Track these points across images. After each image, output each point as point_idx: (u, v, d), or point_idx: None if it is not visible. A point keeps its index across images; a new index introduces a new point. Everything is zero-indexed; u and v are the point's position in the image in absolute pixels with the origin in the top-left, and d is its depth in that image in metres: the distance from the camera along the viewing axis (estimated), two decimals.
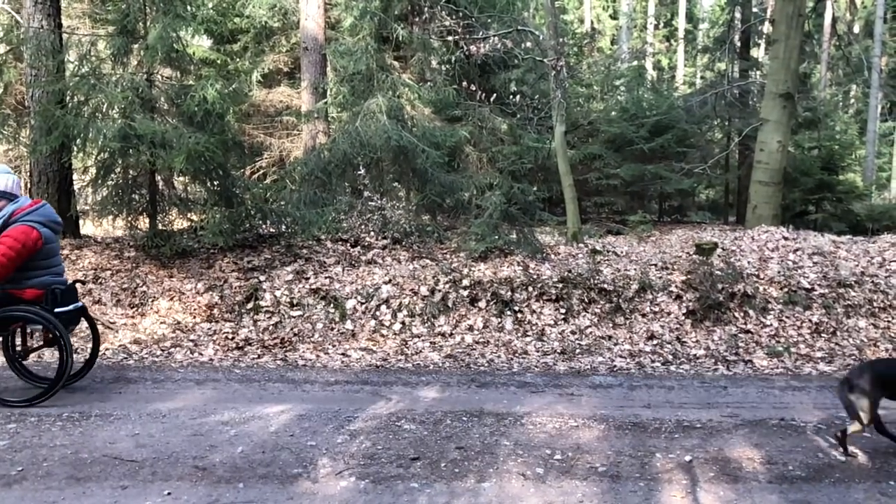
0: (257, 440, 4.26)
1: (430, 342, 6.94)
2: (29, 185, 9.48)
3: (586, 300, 7.55)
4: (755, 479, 3.80)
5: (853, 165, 18.13)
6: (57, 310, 4.89)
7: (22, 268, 4.77)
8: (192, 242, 8.39)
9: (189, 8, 8.22)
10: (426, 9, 13.27)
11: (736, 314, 7.36)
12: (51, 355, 6.02)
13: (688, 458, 4.09)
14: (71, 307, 5.05)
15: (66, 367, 4.82)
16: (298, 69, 13.55)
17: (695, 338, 7.04)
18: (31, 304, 4.83)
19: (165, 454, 4.01)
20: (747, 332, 7.11)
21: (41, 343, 5.32)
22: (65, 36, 8.87)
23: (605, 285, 7.67)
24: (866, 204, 14.72)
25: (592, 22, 31.58)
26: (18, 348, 5.30)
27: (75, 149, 8.31)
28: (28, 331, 5.25)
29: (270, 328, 7.12)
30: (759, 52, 22.24)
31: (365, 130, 9.37)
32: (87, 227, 9.97)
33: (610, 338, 7.07)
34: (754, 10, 17.42)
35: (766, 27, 17.59)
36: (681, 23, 31.96)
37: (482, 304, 7.47)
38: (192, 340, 6.83)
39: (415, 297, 7.48)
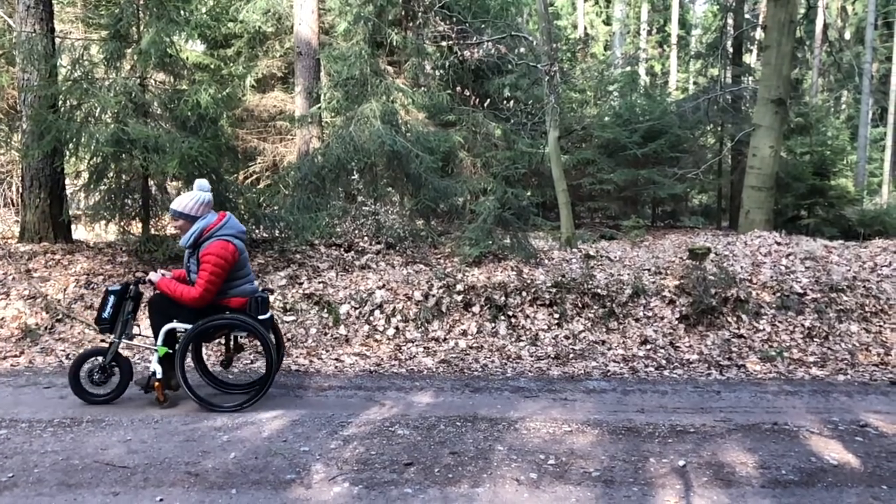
0: (250, 446, 4.24)
1: (424, 347, 6.93)
2: (21, 190, 9.43)
3: (580, 305, 7.56)
4: (748, 484, 3.81)
5: (845, 171, 18.19)
6: (260, 317, 5.03)
7: (226, 278, 4.90)
8: None
9: (182, 12, 8.20)
10: (420, 14, 13.30)
11: (729, 319, 7.38)
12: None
13: (681, 462, 4.09)
14: (269, 314, 5.18)
15: (272, 372, 4.98)
16: (292, 74, 13.56)
17: (688, 342, 7.06)
18: (236, 312, 4.97)
19: (157, 460, 3.99)
20: (740, 336, 7.13)
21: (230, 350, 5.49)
22: (57, 40, 8.84)
23: (599, 290, 7.68)
24: (858, 209, 14.76)
25: (586, 27, 31.70)
26: (204, 357, 5.49)
27: (68, 153, 8.27)
28: (231, 338, 5.42)
29: None
30: (751, 58, 22.37)
31: (359, 135, 9.38)
32: (79, 232, 9.93)
33: (603, 342, 7.08)
34: (746, 16, 17.53)
35: (759, 33, 17.69)
36: (674, 29, 32.09)
37: (476, 308, 7.47)
38: None
39: (408, 302, 7.47)
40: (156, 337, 4.95)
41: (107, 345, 5.11)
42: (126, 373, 5.05)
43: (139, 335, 5.35)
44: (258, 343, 5.21)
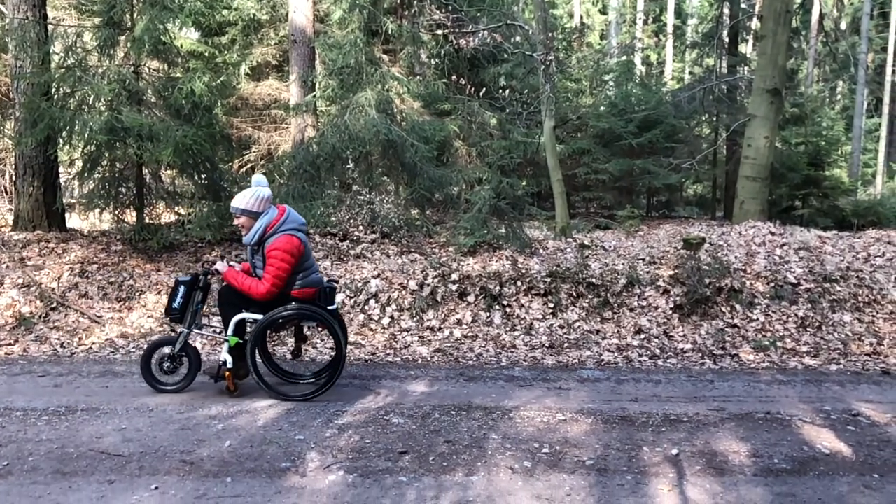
0: (245, 434, 4.25)
1: (419, 336, 6.94)
2: (14, 178, 9.39)
3: (574, 294, 7.58)
4: (741, 472, 3.83)
5: (839, 161, 18.24)
6: (329, 307, 5.09)
7: (293, 271, 4.92)
8: (180, 236, 8.34)
9: (176, 0, 8.15)
10: (415, 2, 13.24)
11: (723, 309, 7.40)
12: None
13: (675, 451, 4.11)
14: (335, 305, 5.22)
15: (341, 361, 5.00)
16: (287, 62, 13.48)
17: (682, 332, 7.08)
18: (306, 302, 5.01)
19: (153, 448, 4.00)
20: (734, 326, 7.16)
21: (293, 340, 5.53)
22: (50, 27, 8.78)
23: (594, 280, 7.70)
24: (852, 199, 14.81)
25: (582, 17, 31.60)
26: (268, 349, 5.48)
27: (61, 141, 8.24)
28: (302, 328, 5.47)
29: None
30: (747, 48, 22.36)
31: (354, 124, 9.35)
32: (73, 221, 9.89)
33: (598, 332, 7.10)
34: (742, 6, 17.48)
35: (754, 23, 17.66)
36: (669, 18, 32.04)
37: (471, 298, 7.48)
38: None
39: (403, 292, 7.47)
40: (226, 327, 4.99)
41: (175, 334, 5.18)
42: (195, 362, 5.11)
43: (207, 325, 5.41)
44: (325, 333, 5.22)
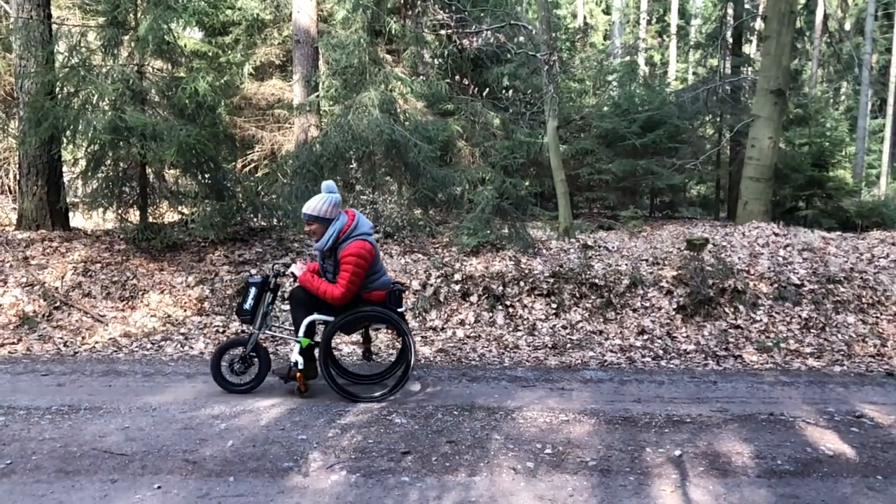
0: (248, 434, 4.25)
1: (422, 336, 6.94)
2: (18, 177, 9.41)
3: (577, 295, 7.57)
4: (744, 474, 3.83)
5: (843, 162, 18.19)
6: (399, 309, 5.19)
7: (365, 275, 4.99)
8: (183, 235, 8.35)
9: (180, 0, 8.16)
10: (419, 2, 13.24)
11: (726, 309, 7.39)
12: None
13: (678, 452, 4.11)
14: (403, 308, 5.29)
15: (411, 363, 5.06)
16: (290, 62, 13.49)
17: (685, 333, 7.07)
18: (376, 305, 5.07)
19: (155, 448, 4.00)
20: (737, 327, 7.15)
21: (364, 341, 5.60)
22: (54, 27, 8.80)
23: (597, 280, 7.69)
24: (856, 200, 14.75)
25: (585, 17, 31.58)
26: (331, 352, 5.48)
27: (65, 140, 8.26)
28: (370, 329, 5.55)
29: None
30: (750, 49, 22.33)
31: (357, 124, 9.35)
32: (76, 220, 9.90)
33: (601, 332, 7.09)
34: (746, 6, 17.46)
35: (758, 24, 17.63)
36: (673, 18, 31.98)
37: (474, 298, 7.47)
38: (182, 334, 6.82)
39: (406, 292, 7.47)
40: (297, 328, 5.03)
41: (246, 335, 5.24)
42: (265, 362, 5.15)
43: (277, 326, 5.48)
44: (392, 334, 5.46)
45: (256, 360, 5.15)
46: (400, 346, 5.45)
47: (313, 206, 4.94)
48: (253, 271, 7.77)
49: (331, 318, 4.96)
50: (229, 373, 5.12)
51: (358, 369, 5.73)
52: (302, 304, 5.04)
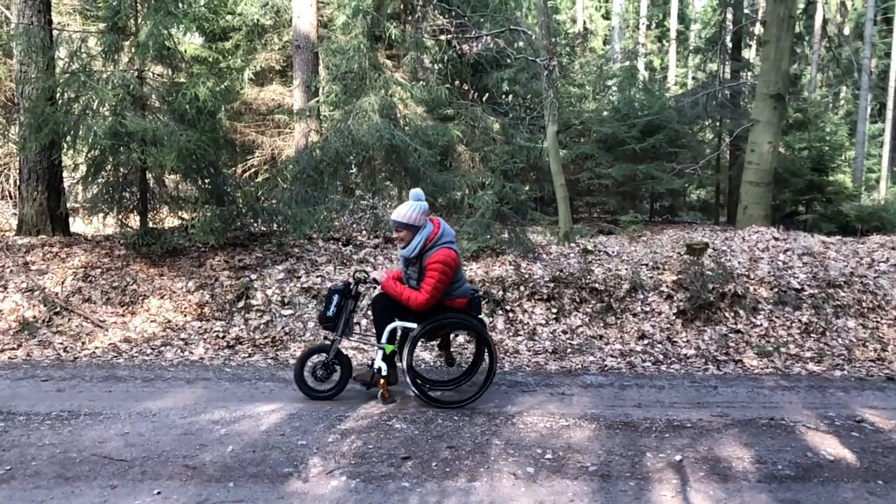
0: (248, 439, 4.25)
1: (421, 341, 6.92)
2: (18, 183, 9.41)
3: (577, 300, 7.57)
4: (745, 479, 3.82)
5: (843, 166, 18.22)
6: (480, 316, 5.27)
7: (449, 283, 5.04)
8: (183, 241, 8.35)
9: (181, 5, 8.17)
10: (419, 7, 13.26)
11: (726, 314, 7.39)
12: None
13: (678, 457, 4.10)
14: (482, 314, 5.37)
15: (494, 369, 5.13)
16: (290, 67, 13.53)
17: (685, 337, 7.07)
18: (459, 312, 5.13)
19: (155, 453, 4.00)
20: (737, 331, 7.14)
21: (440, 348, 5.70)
22: (55, 32, 8.81)
23: (597, 285, 7.69)
24: (855, 205, 14.78)
25: (585, 22, 31.63)
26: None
27: (65, 146, 8.26)
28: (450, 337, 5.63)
29: (261, 327, 7.11)
30: (750, 54, 22.33)
31: (357, 129, 9.36)
32: (77, 225, 9.90)
33: (601, 337, 7.09)
34: (745, 11, 17.48)
35: (758, 28, 17.66)
36: (673, 23, 32.04)
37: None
38: (182, 339, 6.81)
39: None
40: (379, 335, 5.07)
41: (328, 342, 5.27)
42: (346, 369, 5.19)
43: (358, 333, 5.52)
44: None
45: (338, 366, 5.19)
46: (474, 353, 5.55)
47: (403, 213, 4.97)
48: (253, 276, 7.76)
49: (413, 325, 5.01)
50: (312, 379, 5.16)
51: (432, 375, 5.75)
52: (385, 311, 5.08)
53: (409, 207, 4.97)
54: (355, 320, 5.34)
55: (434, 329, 5.09)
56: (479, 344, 5.41)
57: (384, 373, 4.96)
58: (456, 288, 5.08)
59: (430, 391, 5.17)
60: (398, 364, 5.19)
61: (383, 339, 5.00)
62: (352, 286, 5.21)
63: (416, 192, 5.10)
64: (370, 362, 5.27)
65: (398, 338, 5.21)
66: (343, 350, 5.25)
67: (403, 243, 5.02)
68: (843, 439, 4.46)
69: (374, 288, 5.09)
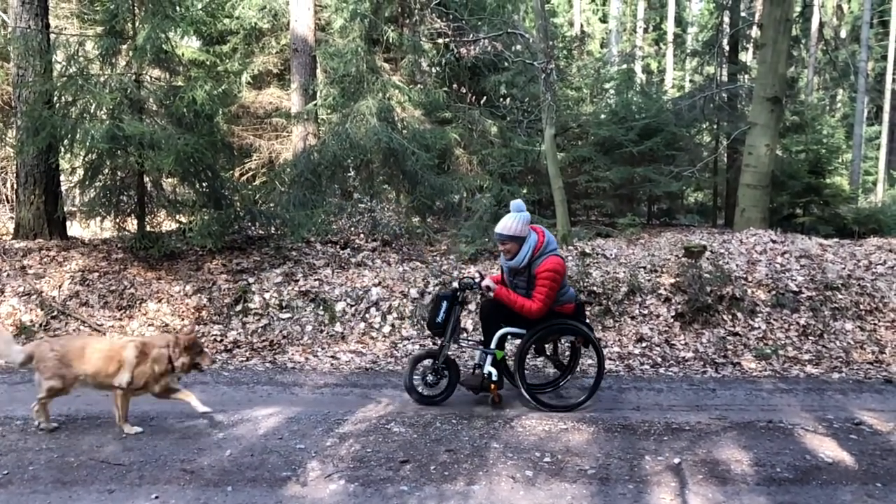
0: (246, 443, 4.24)
1: (420, 344, 6.93)
2: (15, 187, 9.40)
3: None
4: (743, 481, 3.82)
5: (840, 169, 18.26)
6: (585, 321, 5.40)
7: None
8: (181, 244, 8.34)
9: (178, 8, 8.17)
10: (416, 11, 13.26)
11: (724, 317, 7.39)
12: None
13: (677, 460, 4.10)
14: (587, 319, 5.46)
15: (602, 371, 5.25)
16: (288, 71, 13.51)
17: (683, 340, 7.07)
18: (566, 317, 5.22)
19: (153, 458, 3.99)
20: (735, 334, 7.15)
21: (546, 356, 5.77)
22: (52, 36, 8.80)
23: (595, 288, 7.69)
24: (853, 207, 14.78)
25: (582, 25, 31.65)
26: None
27: (63, 150, 8.25)
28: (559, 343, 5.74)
29: (259, 330, 7.10)
30: (747, 56, 22.37)
31: (355, 132, 9.37)
32: (74, 229, 9.88)
33: (599, 340, 7.08)
34: (742, 14, 17.50)
35: (755, 31, 17.69)
36: (670, 26, 32.09)
37: (472, 306, 7.46)
38: None
39: (404, 300, 7.47)
40: (488, 341, 5.12)
41: (436, 347, 5.35)
42: (454, 374, 5.23)
43: (464, 338, 5.61)
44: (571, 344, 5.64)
45: (447, 371, 5.22)
46: (570, 355, 5.65)
47: (508, 225, 5.01)
48: (251, 280, 7.75)
49: (522, 331, 5.06)
50: (422, 385, 5.20)
51: (532, 379, 5.73)
52: (494, 317, 5.15)
53: (513, 219, 5.02)
54: (461, 325, 5.44)
55: (544, 335, 5.16)
56: (576, 347, 5.51)
57: (494, 378, 5.02)
58: (563, 293, 5.15)
59: (540, 395, 5.23)
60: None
61: (492, 345, 5.06)
62: (458, 293, 5.25)
63: (518, 203, 5.14)
64: (473, 367, 5.35)
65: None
66: (450, 355, 5.27)
67: (510, 255, 5.06)
68: (841, 442, 4.46)
69: (488, 294, 5.09)
